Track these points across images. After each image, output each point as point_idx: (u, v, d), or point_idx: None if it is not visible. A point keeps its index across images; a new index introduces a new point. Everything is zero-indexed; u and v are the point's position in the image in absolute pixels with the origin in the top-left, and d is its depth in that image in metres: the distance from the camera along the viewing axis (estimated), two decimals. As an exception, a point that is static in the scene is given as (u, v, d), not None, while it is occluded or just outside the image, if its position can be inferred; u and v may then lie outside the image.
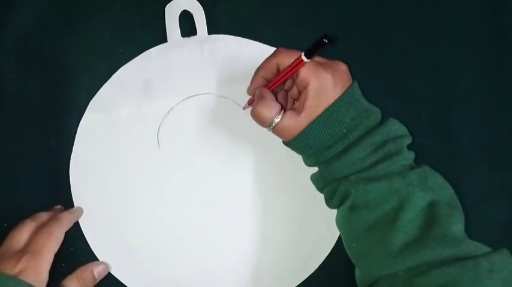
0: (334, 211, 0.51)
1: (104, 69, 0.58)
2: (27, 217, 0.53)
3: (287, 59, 0.49)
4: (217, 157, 0.57)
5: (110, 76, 0.58)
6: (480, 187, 0.56)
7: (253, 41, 0.59)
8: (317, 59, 0.50)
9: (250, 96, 0.55)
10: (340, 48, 0.58)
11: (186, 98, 0.58)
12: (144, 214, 0.56)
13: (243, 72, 0.57)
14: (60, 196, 0.56)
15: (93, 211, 0.56)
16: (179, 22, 0.58)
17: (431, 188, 0.47)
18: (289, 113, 0.48)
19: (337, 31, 0.58)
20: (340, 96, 0.48)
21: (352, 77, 0.51)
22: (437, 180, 0.48)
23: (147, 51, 0.58)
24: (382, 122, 0.50)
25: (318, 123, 0.47)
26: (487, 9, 0.59)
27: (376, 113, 0.50)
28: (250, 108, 0.51)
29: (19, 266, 0.48)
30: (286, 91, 0.53)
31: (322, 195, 0.52)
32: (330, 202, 0.51)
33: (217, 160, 0.57)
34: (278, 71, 0.50)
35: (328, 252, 0.55)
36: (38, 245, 0.50)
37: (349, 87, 0.49)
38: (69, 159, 0.57)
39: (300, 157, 0.52)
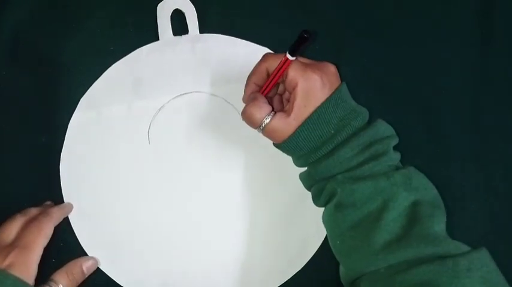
0: (322, 209, 0.52)
1: (96, 67, 0.58)
2: (17, 212, 0.53)
3: (275, 61, 0.49)
4: (208, 155, 0.57)
5: (102, 73, 0.58)
6: (466, 186, 0.57)
7: (244, 41, 0.59)
8: (306, 60, 0.50)
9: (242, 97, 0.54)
10: (330, 48, 0.59)
11: (177, 96, 0.58)
12: (133, 210, 0.56)
13: (234, 71, 0.58)
14: (51, 192, 0.56)
15: (83, 207, 0.56)
16: (171, 21, 0.59)
17: (415, 189, 0.47)
18: (278, 115, 0.49)
19: (328, 31, 0.59)
20: (328, 98, 0.48)
21: (342, 77, 0.51)
22: (421, 180, 0.48)
23: (138, 49, 0.59)
24: (370, 122, 0.51)
25: (307, 125, 0.48)
26: (475, 10, 0.59)
27: (364, 114, 0.51)
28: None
29: (8, 261, 0.48)
30: (281, 95, 0.54)
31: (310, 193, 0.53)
32: (317, 201, 0.51)
33: (207, 158, 0.57)
34: (268, 75, 0.51)
35: (316, 249, 0.55)
36: (28, 239, 0.50)
37: (337, 89, 0.49)
38: (60, 155, 0.57)
39: (288, 156, 0.53)
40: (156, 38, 0.59)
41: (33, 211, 0.53)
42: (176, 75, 0.58)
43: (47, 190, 0.57)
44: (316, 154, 0.49)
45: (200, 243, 0.56)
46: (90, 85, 0.58)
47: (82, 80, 0.58)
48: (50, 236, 0.52)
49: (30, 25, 0.59)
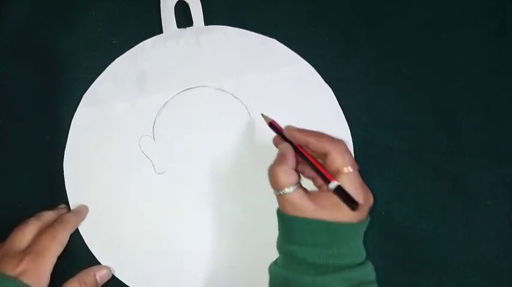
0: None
1: (99, 61, 0.57)
2: (24, 213, 0.52)
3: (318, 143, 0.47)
4: (214, 151, 0.56)
5: (105, 68, 0.57)
6: (483, 182, 0.56)
7: (250, 32, 0.57)
8: (358, 179, 0.47)
9: (251, 90, 0.55)
10: (340, 40, 0.57)
11: (182, 91, 0.56)
12: (139, 208, 0.56)
13: (240, 64, 0.57)
14: (55, 190, 0.56)
15: (88, 205, 0.55)
16: (175, 13, 0.57)
17: None
18: (301, 192, 0.46)
19: (338, 22, 0.58)
20: (361, 221, 0.47)
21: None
22: None
23: (141, 42, 0.57)
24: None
25: (330, 225, 0.45)
26: (489, 6, 0.58)
27: (363, 256, 0.48)
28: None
29: (20, 268, 0.47)
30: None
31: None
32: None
33: (213, 154, 0.56)
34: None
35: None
36: (42, 246, 0.49)
37: (367, 218, 0.48)
38: (63, 153, 0.56)
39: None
40: (159, 30, 0.57)
41: (48, 215, 0.52)
42: (181, 69, 0.57)
43: (52, 189, 0.56)
44: (302, 252, 0.46)
45: (208, 241, 0.55)
46: (93, 80, 0.57)
47: (84, 75, 0.57)
48: (65, 244, 0.51)
49: (31, 20, 0.58)
